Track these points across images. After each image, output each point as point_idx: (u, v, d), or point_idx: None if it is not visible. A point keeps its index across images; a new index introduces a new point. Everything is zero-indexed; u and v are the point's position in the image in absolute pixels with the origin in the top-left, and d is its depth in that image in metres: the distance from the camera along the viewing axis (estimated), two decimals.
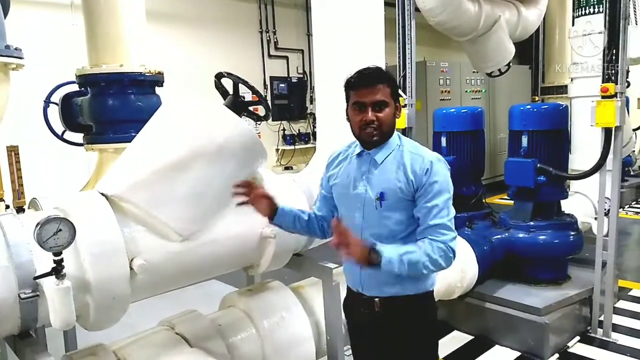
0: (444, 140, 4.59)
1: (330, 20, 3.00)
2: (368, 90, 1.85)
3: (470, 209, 4.44)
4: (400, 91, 4.30)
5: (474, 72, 9.12)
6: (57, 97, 4.31)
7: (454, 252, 1.82)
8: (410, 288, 1.90)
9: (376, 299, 1.94)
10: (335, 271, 2.57)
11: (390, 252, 1.73)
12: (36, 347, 1.96)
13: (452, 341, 3.87)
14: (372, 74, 1.88)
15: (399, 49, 4.42)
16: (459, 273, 3.71)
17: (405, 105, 4.25)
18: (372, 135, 1.87)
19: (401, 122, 4.14)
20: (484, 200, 4.72)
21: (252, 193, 2.01)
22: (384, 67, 2.19)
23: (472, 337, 3.91)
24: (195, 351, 2.28)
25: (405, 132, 4.20)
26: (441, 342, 3.77)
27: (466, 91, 9.55)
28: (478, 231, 4.23)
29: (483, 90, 9.85)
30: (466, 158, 4.52)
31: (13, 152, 3.93)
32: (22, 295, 1.78)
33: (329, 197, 2.10)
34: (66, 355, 2.18)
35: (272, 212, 2.04)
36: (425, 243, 1.79)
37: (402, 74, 4.39)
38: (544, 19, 7.24)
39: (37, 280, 1.80)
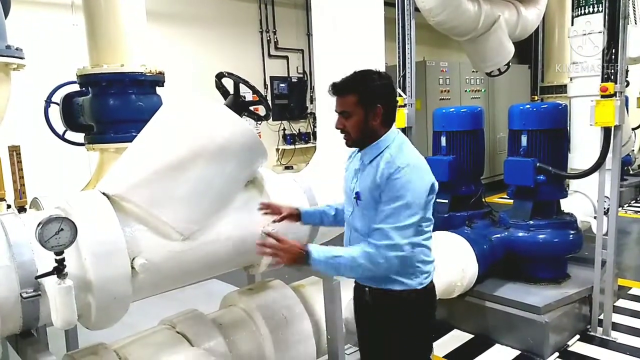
0: (443, 139, 4.60)
1: (330, 20, 3.00)
2: (337, 99, 1.98)
3: (469, 208, 4.46)
4: (399, 91, 4.33)
5: (473, 71, 9.12)
6: (58, 97, 4.32)
7: (386, 257, 1.83)
8: (395, 284, 1.95)
9: (366, 289, 2.04)
10: None
11: (320, 254, 1.86)
12: (38, 346, 1.97)
13: (452, 340, 3.88)
14: (339, 84, 1.96)
15: (398, 48, 4.43)
16: (459, 272, 3.71)
17: (405, 105, 4.27)
18: (345, 140, 2.02)
19: (401, 122, 4.16)
20: (483, 200, 4.73)
21: (276, 214, 2.22)
22: (381, 68, 2.22)
23: (472, 336, 3.92)
24: (196, 350, 2.29)
25: (404, 131, 4.22)
26: (441, 340, 3.85)
27: (466, 91, 9.54)
28: (478, 230, 4.23)
29: (482, 90, 9.84)
30: (466, 157, 4.52)
31: (14, 151, 3.92)
32: (24, 295, 1.79)
33: None
34: (67, 355, 2.18)
35: (298, 217, 2.27)
36: (360, 247, 1.88)
37: (401, 74, 4.40)
38: (543, 18, 7.25)
39: (38, 280, 1.81)
